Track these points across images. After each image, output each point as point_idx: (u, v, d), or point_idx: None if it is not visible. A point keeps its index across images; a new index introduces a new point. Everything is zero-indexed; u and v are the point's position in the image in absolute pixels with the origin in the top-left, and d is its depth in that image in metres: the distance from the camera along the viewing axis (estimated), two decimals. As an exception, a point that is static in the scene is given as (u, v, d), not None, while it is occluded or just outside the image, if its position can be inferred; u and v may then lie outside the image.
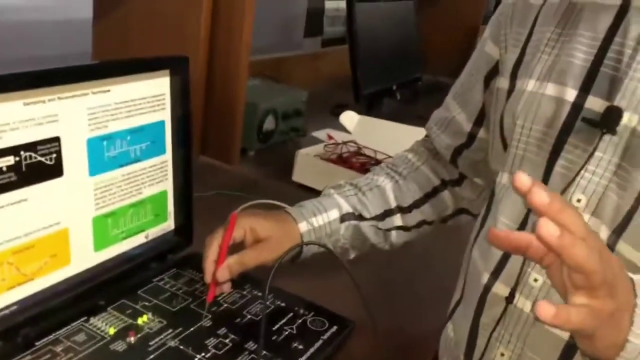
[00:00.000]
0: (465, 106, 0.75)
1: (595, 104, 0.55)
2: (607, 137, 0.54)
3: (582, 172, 0.55)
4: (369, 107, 1.73)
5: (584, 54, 0.57)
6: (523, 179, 0.38)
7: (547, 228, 0.36)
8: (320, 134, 1.38)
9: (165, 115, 0.73)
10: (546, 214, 0.37)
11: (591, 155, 0.54)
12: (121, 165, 0.69)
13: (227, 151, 1.19)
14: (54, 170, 0.61)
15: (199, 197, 0.90)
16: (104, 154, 0.66)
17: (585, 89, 0.56)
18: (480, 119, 0.74)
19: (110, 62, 0.65)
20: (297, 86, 1.69)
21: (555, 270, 0.41)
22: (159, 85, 0.71)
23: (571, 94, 0.57)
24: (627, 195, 0.53)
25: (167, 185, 0.76)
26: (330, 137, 1.29)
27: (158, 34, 1.08)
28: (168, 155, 0.75)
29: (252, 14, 1.06)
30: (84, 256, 0.67)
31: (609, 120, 0.53)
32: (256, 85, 1.35)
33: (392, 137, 1.39)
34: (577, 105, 0.56)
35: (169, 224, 0.79)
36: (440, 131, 0.79)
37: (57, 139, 0.60)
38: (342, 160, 1.16)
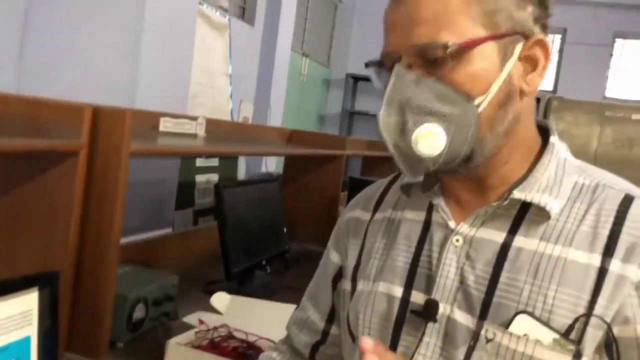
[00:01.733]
0: (318, 306, 0.86)
1: (418, 297, 0.70)
2: (430, 325, 0.67)
3: (416, 355, 0.67)
4: (241, 282, 1.79)
5: (404, 258, 0.73)
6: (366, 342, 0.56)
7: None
8: (192, 318, 1.40)
9: (31, 330, 0.74)
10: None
11: (420, 340, 0.67)
12: (-19, 389, 0.67)
13: (94, 345, 1.16)
14: None
15: (64, 404, 0.87)
16: (-36, 380, 0.65)
17: (408, 286, 0.71)
18: (331, 317, 0.84)
19: (-23, 288, 0.67)
20: (169, 265, 1.72)
21: None
22: (26, 302, 0.73)
23: (398, 291, 0.71)
24: None
25: (30, 402, 0.74)
26: (201, 322, 1.31)
27: (23, 236, 1.09)
28: (33, 370, 0.75)
29: (121, 215, 1.12)
30: None
31: (429, 311, 0.68)
32: (126, 272, 1.36)
33: (263, 316, 1.45)
34: (405, 300, 0.71)
35: None
36: (299, 330, 0.87)
37: None
38: (214, 346, 1.18)
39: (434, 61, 0.63)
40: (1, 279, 0.70)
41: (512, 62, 0.65)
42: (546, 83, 5.87)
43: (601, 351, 0.62)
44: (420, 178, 0.74)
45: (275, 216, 2.11)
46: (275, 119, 3.54)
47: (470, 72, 0.63)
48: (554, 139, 0.71)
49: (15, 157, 1.12)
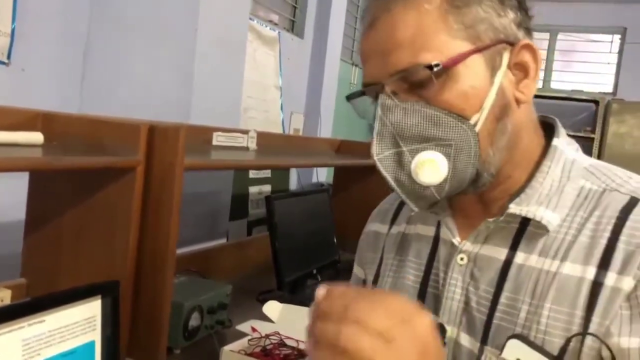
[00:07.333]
0: None
1: None
2: None
3: None
4: (292, 291, 1.82)
5: (414, 277, 0.71)
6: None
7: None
8: (245, 326, 1.44)
9: (95, 335, 0.79)
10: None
11: None
12: (51, 390, 0.72)
13: (153, 352, 1.21)
14: (-15, 404, 0.64)
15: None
16: (35, 381, 0.70)
17: None
18: None
19: (46, 297, 0.72)
20: (224, 275, 1.77)
21: None
22: (90, 309, 0.78)
23: None
24: None
25: (95, 403, 0.79)
26: (254, 330, 1.35)
27: (86, 248, 1.16)
28: (96, 373, 0.80)
29: (177, 226, 1.17)
30: None
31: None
32: (182, 282, 1.42)
33: (313, 324, 1.47)
34: None
35: None
36: None
37: (-9, 374, 0.64)
38: (266, 354, 1.21)
39: (419, 84, 0.60)
40: (67, 288, 0.75)
41: (502, 73, 0.62)
42: (605, 85, 5.67)
43: None
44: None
45: (325, 226, 2.14)
46: (326, 129, 3.58)
47: (460, 90, 0.60)
48: (557, 141, 0.66)
49: (78, 174, 1.19)
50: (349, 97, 0.68)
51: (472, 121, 0.60)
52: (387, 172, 0.61)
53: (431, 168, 0.59)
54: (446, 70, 0.59)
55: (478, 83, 0.60)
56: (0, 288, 1.12)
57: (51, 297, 0.73)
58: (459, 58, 0.59)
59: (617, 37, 5.62)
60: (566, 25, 5.65)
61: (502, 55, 0.62)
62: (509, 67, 0.62)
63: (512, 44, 0.62)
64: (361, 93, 0.66)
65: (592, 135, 5.21)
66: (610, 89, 5.63)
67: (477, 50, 0.60)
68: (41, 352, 0.70)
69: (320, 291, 0.52)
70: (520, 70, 0.64)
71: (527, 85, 0.64)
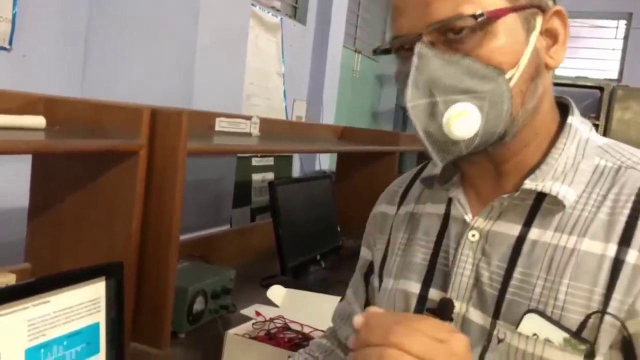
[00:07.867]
0: (358, 300, 0.87)
1: (435, 295, 0.68)
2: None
3: None
4: (296, 277, 1.82)
5: (422, 254, 0.72)
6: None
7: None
8: (249, 310, 1.44)
9: (100, 317, 0.79)
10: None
11: None
12: (56, 370, 0.73)
13: (157, 336, 1.22)
14: (-9, 384, 0.64)
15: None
16: (41, 361, 0.70)
17: (427, 283, 0.70)
18: None
19: (50, 277, 0.72)
20: (227, 261, 1.77)
21: None
22: (95, 290, 0.78)
23: (416, 287, 0.70)
24: None
25: (100, 384, 0.80)
26: (258, 314, 1.36)
27: (88, 232, 1.16)
28: (102, 354, 0.80)
29: (179, 210, 1.17)
30: None
31: (445, 310, 0.66)
32: (186, 267, 1.42)
33: (318, 308, 1.48)
34: (422, 297, 0.69)
35: (100, 423, 0.80)
36: (342, 323, 0.89)
37: (-4, 354, 0.65)
38: (271, 337, 1.22)
39: (458, 37, 0.60)
40: (72, 269, 0.75)
41: (536, 35, 0.63)
42: (610, 72, 5.63)
43: (617, 349, 0.58)
44: (439, 170, 0.67)
45: (328, 212, 2.14)
46: (328, 116, 3.56)
47: (498, 44, 0.60)
48: (572, 119, 0.67)
49: (80, 157, 1.19)
50: (376, 51, 0.68)
51: (507, 76, 0.60)
52: (418, 121, 0.60)
53: (464, 121, 0.59)
54: (486, 23, 0.59)
55: (515, 40, 0.61)
56: (5, 272, 1.12)
57: (55, 278, 0.73)
58: (499, 12, 0.60)
59: (622, 23, 5.57)
60: (571, 11, 5.56)
61: (536, 19, 0.64)
62: (540, 32, 0.64)
63: (543, 10, 0.64)
64: (391, 46, 0.65)
65: (597, 122, 5.18)
66: (615, 75, 5.59)
67: (515, 9, 0.61)
68: (46, 332, 0.70)
69: (359, 319, 0.54)
70: (550, 37, 0.66)
71: (557, 50, 0.65)
